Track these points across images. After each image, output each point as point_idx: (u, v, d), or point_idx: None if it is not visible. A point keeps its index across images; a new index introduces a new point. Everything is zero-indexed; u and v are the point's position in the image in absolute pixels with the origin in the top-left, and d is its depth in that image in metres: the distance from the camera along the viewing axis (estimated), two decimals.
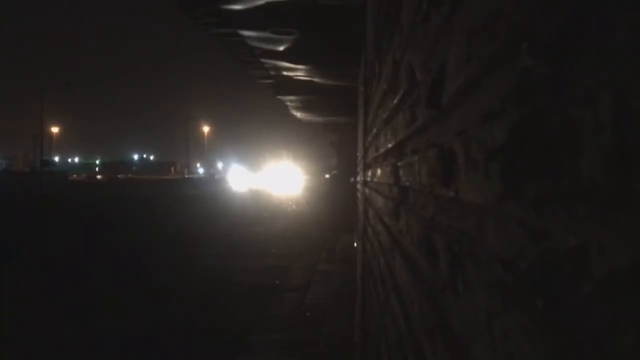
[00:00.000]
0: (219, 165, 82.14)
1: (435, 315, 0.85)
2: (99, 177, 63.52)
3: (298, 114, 11.33)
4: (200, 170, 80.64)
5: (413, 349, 1.11)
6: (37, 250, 10.59)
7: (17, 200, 23.69)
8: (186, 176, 65.30)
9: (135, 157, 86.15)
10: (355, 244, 10.52)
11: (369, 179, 3.13)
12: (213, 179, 55.53)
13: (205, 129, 74.54)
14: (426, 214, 1.00)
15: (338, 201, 13.06)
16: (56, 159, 78.88)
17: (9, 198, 23.89)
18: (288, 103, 9.29)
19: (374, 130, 2.63)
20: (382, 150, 2.07)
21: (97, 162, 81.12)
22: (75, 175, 64.99)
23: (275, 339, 5.43)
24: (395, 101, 1.60)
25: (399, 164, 1.50)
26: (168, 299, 6.82)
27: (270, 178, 44.09)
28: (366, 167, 3.46)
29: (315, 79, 7.09)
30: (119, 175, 56.45)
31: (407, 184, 1.39)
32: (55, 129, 72.17)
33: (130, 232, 13.85)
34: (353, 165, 9.93)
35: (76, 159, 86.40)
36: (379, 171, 2.28)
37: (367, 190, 3.44)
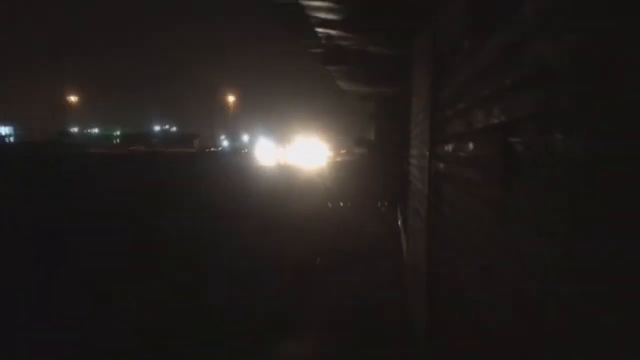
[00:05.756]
0: (245, 137, 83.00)
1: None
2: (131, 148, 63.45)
3: (341, 83, 11.54)
4: (225, 143, 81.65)
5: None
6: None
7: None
8: (210, 149, 66.26)
9: (157, 128, 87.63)
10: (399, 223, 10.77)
11: (446, 153, 3.36)
12: (239, 153, 56.27)
13: (231, 99, 75.30)
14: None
15: (383, 177, 13.28)
16: (75, 129, 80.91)
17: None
18: (334, 72, 9.52)
19: (460, 105, 2.86)
20: (479, 125, 2.31)
21: (117, 133, 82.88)
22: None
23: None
24: (508, 81, 1.83)
25: (512, 139, 1.75)
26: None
27: (299, 152, 44.48)
28: (441, 142, 3.68)
29: (368, 48, 7.28)
30: (130, 147, 56.86)
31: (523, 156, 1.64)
32: (74, 98, 73.97)
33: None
34: (400, 139, 10.11)
35: (95, 130, 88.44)
36: (471, 145, 2.52)
37: (441, 165, 3.67)
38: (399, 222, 10.56)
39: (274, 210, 14.61)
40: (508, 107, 1.86)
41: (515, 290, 1.66)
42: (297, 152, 45.98)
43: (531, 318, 1.46)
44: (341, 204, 16.47)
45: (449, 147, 3.28)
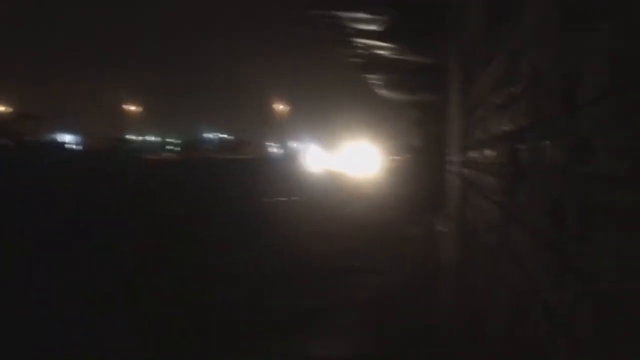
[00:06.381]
0: (294, 144, 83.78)
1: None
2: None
3: (382, 92, 11.56)
4: (275, 150, 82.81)
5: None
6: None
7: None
8: (260, 155, 67.42)
9: (211, 135, 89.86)
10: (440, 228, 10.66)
11: (471, 159, 3.37)
12: (289, 159, 56.84)
13: (281, 106, 76.51)
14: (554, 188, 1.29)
15: (425, 183, 13.16)
16: (132, 137, 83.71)
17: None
18: (374, 81, 9.57)
19: (480, 113, 2.87)
20: (494, 133, 2.33)
21: (172, 140, 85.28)
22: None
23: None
24: (514, 89, 1.86)
25: (520, 146, 1.77)
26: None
27: (347, 158, 44.42)
28: (466, 148, 3.69)
29: (404, 57, 7.30)
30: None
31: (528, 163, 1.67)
32: (132, 107, 76.96)
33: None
34: (442, 145, 10.02)
35: (152, 138, 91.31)
36: (487, 152, 2.54)
37: (466, 171, 3.67)
38: (438, 228, 10.45)
39: (320, 214, 14.71)
40: (514, 115, 1.88)
41: (517, 294, 1.68)
42: (345, 158, 45.92)
43: (534, 318, 1.48)
44: (385, 209, 16.39)
45: (473, 154, 3.29)
